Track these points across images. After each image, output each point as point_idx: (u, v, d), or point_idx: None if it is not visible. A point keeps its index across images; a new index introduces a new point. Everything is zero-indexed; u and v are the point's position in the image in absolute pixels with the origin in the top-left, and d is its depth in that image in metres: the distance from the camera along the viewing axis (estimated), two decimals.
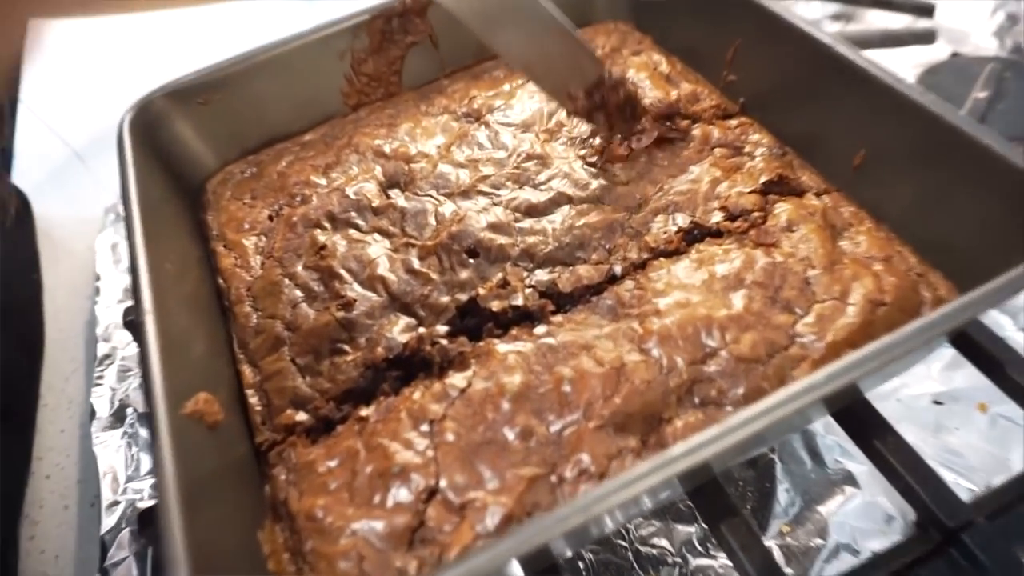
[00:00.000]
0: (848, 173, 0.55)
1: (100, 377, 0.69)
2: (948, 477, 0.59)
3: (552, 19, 0.52)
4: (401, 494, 0.43)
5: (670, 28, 0.70)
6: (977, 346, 0.52)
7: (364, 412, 0.47)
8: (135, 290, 0.47)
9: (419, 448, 0.44)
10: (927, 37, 0.78)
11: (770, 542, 0.56)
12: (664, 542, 0.57)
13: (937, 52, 0.90)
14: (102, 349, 0.71)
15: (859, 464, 0.58)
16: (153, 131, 0.62)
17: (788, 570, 0.53)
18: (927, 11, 0.82)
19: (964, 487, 0.58)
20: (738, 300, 0.48)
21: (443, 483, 0.43)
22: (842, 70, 0.53)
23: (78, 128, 0.96)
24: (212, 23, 1.14)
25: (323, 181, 0.61)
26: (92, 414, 0.66)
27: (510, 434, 0.44)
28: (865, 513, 0.57)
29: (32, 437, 0.70)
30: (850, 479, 0.59)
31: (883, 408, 0.64)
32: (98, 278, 0.78)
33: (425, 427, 0.45)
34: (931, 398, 0.64)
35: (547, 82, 0.55)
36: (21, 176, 0.88)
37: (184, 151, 0.64)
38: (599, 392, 0.44)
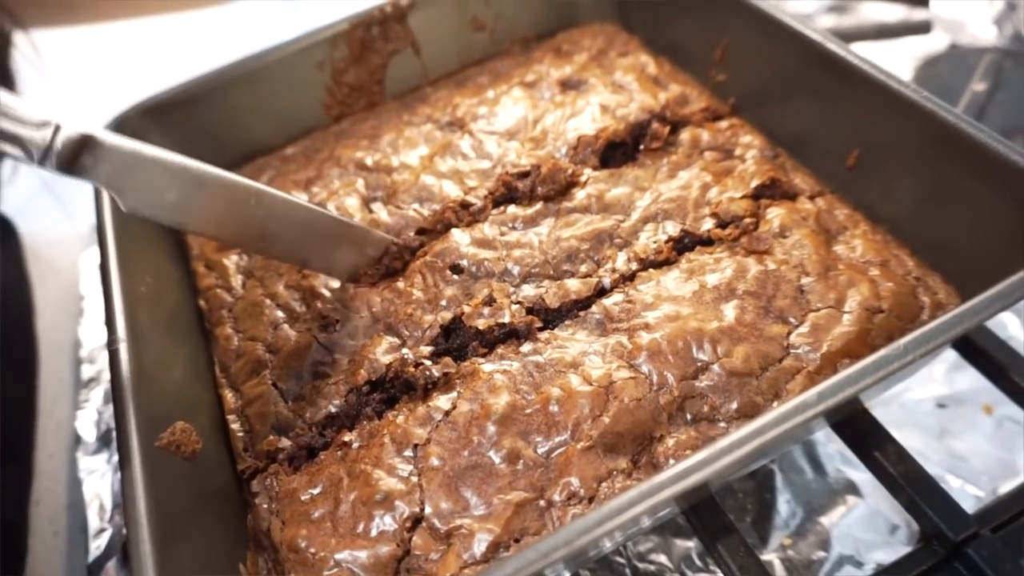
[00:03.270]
0: (843, 174, 0.54)
1: (85, 400, 0.67)
2: (954, 483, 0.57)
3: (315, 213, 0.51)
4: (385, 522, 0.41)
5: (658, 28, 0.68)
6: (979, 349, 0.50)
7: (347, 437, 0.45)
8: (108, 316, 0.46)
9: (403, 474, 0.43)
10: (923, 28, 0.76)
11: (771, 555, 0.55)
12: (663, 558, 0.55)
13: (934, 43, 0.88)
14: (87, 371, 0.70)
15: (861, 472, 0.57)
16: None
17: None
18: (922, 1, 0.80)
19: (970, 493, 0.56)
20: (730, 311, 0.46)
21: (428, 510, 0.41)
22: (833, 67, 0.52)
23: None
24: (194, 30, 1.12)
25: (304, 196, 0.60)
26: (77, 439, 0.65)
27: (496, 457, 0.42)
28: (868, 523, 0.56)
29: (32, 464, 0.69)
30: (852, 488, 0.57)
31: (886, 413, 0.63)
32: (83, 298, 0.77)
33: (409, 452, 0.43)
34: (935, 401, 0.63)
35: (335, 271, 0.54)
36: (4, 192, 0.86)
37: None
38: (587, 412, 0.43)
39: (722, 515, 0.45)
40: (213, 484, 0.46)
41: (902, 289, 0.47)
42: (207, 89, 0.63)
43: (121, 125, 0.60)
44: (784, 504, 0.57)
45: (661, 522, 0.49)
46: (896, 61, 0.84)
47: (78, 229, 0.88)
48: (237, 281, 0.56)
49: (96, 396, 0.68)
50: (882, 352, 0.37)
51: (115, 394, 0.42)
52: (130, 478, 0.38)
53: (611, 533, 0.33)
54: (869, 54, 0.81)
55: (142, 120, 0.62)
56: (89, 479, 0.62)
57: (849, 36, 0.77)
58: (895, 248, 0.50)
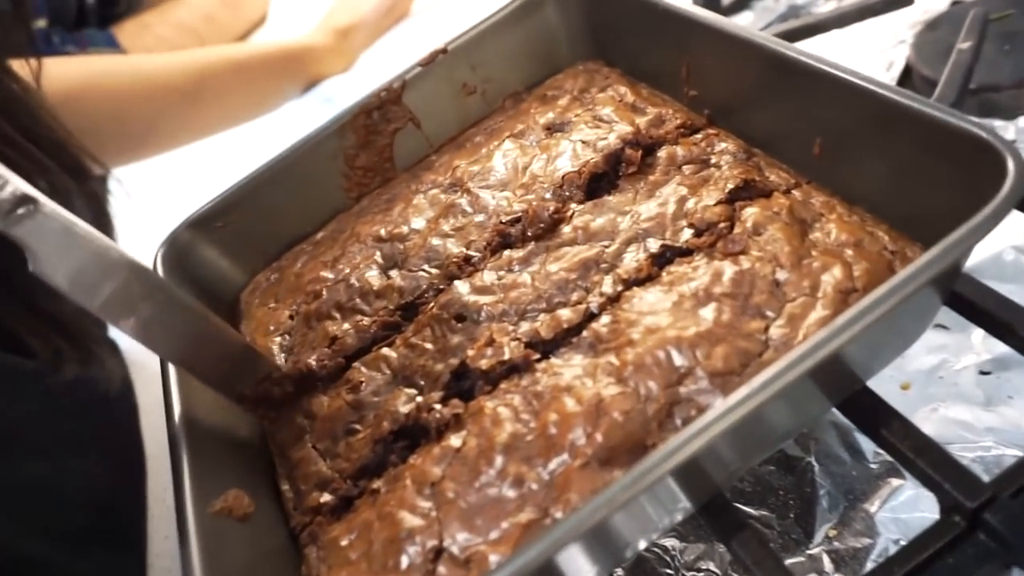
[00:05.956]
0: (814, 163, 0.55)
1: None
2: (1011, 452, 0.55)
3: (210, 322, 0.53)
4: (412, 555, 0.45)
5: (633, 57, 0.72)
6: (981, 310, 0.49)
7: (376, 484, 0.50)
8: (167, 406, 0.53)
9: (423, 511, 0.47)
10: (903, 1, 0.76)
11: (818, 548, 0.55)
12: (711, 564, 0.57)
13: (936, 4, 0.86)
14: None
15: None
16: (183, 260, 0.70)
17: None
18: None
19: None
20: (708, 314, 0.48)
21: (447, 541, 0.45)
22: (780, 65, 0.54)
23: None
24: (243, 137, 1.25)
25: (331, 275, 0.66)
26: None
27: (504, 485, 0.46)
28: (914, 504, 0.55)
29: (146, 547, 0.78)
30: (894, 470, 0.56)
31: (926, 390, 0.62)
32: None
33: (427, 490, 0.48)
34: (976, 369, 0.61)
35: (211, 379, 0.55)
36: None
37: (214, 272, 0.72)
38: (581, 431, 0.46)
39: (732, 511, 0.47)
40: (271, 543, 0.51)
41: (877, 266, 0.47)
42: (241, 195, 0.72)
43: (173, 241, 0.70)
44: (825, 496, 0.57)
45: (675, 517, 0.49)
46: (896, 32, 0.84)
47: None
48: (281, 360, 0.63)
49: None
50: (857, 305, 0.38)
51: (174, 469, 0.49)
52: (186, 547, 0.44)
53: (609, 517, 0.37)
54: (860, 34, 0.81)
55: (190, 233, 0.71)
56: None
57: (833, 23, 0.77)
58: (871, 226, 0.50)
